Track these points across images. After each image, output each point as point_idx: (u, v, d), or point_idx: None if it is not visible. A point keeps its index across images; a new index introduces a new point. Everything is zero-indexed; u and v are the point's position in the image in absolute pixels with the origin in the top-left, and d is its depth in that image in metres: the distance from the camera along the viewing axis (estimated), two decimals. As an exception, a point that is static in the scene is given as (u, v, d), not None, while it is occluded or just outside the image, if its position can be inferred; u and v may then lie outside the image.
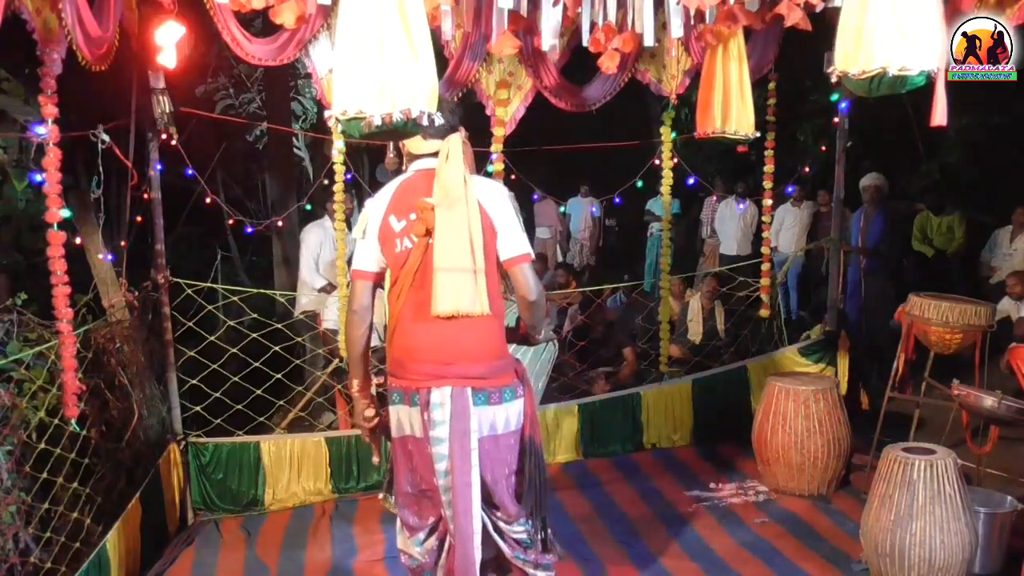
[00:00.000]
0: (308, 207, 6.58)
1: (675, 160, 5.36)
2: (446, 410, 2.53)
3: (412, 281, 2.56)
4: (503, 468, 2.62)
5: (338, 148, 4.62)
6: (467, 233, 2.47)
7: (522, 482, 2.68)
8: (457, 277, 2.46)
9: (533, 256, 2.60)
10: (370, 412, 2.75)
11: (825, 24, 3.08)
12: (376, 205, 2.65)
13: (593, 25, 3.81)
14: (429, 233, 2.51)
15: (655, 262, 9.65)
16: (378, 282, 2.69)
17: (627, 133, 6.07)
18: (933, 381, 4.45)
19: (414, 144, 2.63)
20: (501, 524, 2.67)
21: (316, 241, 5.78)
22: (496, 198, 2.57)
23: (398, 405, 2.64)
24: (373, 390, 2.79)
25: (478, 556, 2.56)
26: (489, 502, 2.63)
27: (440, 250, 2.48)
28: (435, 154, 2.59)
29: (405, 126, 2.11)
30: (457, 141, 2.56)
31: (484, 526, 2.62)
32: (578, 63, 4.47)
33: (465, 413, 2.52)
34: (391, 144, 4.04)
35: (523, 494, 2.67)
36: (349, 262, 5.14)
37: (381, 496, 3.92)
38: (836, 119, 5.41)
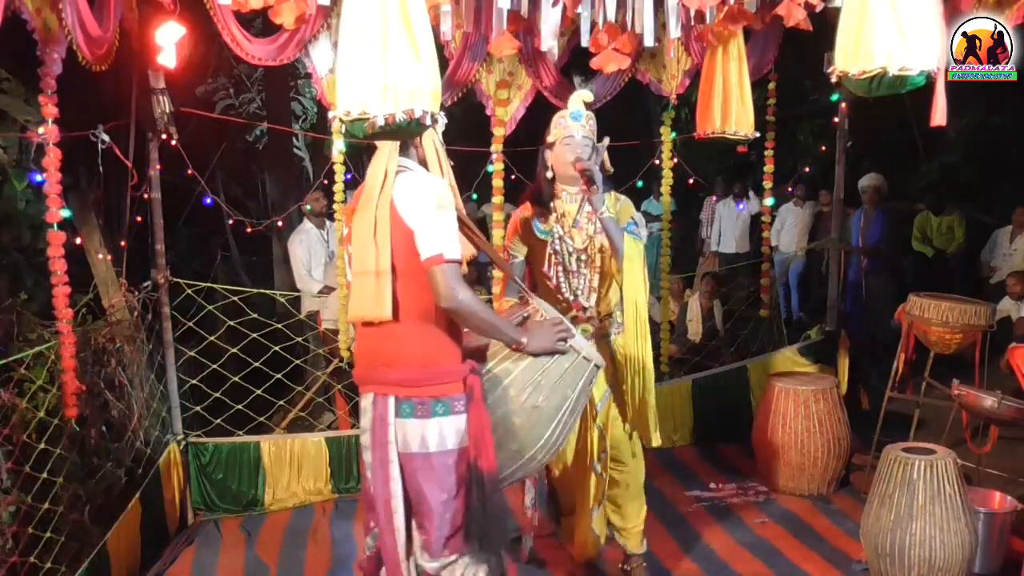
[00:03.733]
0: (309, 207, 6.60)
1: (675, 160, 5.36)
2: (368, 417, 2.35)
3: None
4: (438, 493, 2.28)
5: (338, 148, 4.62)
6: (372, 235, 2.26)
7: (460, 514, 2.31)
8: (361, 281, 2.28)
9: (453, 257, 2.21)
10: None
11: (825, 24, 3.08)
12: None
13: (593, 25, 3.81)
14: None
15: (653, 263, 9.63)
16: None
17: (627, 133, 6.06)
18: (933, 381, 4.44)
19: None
20: (416, 550, 2.36)
21: (303, 249, 5.77)
22: (410, 195, 2.26)
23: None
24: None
25: (405, 571, 2.35)
26: (418, 523, 2.35)
27: (354, 254, 2.32)
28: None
29: (408, 126, 2.10)
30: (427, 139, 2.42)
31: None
32: (578, 63, 4.47)
33: (384, 422, 2.29)
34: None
35: (461, 528, 2.32)
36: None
37: None
38: (836, 119, 5.42)
